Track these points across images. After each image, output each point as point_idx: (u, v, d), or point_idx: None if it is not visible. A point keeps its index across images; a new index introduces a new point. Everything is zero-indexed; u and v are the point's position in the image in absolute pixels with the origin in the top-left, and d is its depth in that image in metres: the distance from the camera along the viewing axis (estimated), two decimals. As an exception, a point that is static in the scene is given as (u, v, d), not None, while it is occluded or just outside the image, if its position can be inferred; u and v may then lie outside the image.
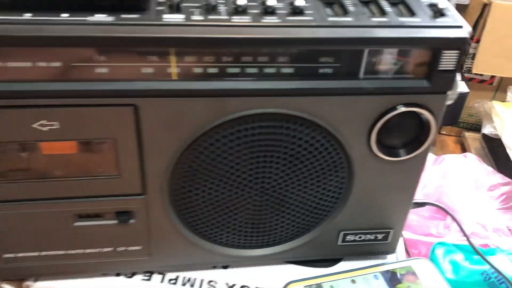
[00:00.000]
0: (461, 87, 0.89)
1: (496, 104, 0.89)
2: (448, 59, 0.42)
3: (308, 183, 0.48)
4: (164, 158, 0.44)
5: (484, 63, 0.91)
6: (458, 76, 0.45)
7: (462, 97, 0.90)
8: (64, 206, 0.46)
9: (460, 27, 0.41)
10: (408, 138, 0.47)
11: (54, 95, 0.39)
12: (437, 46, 0.41)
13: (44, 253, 0.49)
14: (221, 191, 0.47)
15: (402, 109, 0.44)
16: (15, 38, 0.36)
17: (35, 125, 0.40)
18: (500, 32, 0.87)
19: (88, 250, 0.50)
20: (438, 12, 0.42)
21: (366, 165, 0.48)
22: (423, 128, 0.46)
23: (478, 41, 0.89)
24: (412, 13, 0.42)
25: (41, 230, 0.47)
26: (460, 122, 0.99)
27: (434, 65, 0.42)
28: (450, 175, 0.78)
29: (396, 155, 0.47)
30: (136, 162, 0.44)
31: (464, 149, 0.95)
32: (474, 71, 0.92)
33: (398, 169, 0.49)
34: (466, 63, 0.93)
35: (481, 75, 0.95)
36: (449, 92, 0.44)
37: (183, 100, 0.41)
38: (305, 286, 0.53)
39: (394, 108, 0.44)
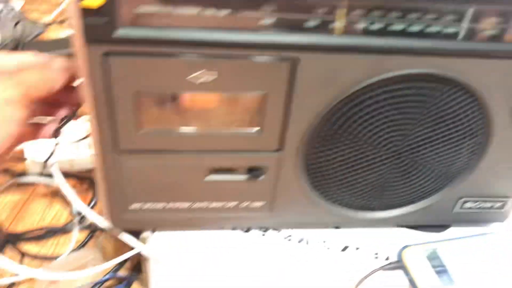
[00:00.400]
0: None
1: None
2: None
3: (444, 147, 0.47)
4: (309, 116, 0.43)
5: None
6: None
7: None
8: (200, 159, 0.45)
9: None
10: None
11: (216, 45, 0.38)
12: None
13: (169, 205, 0.49)
14: (355, 152, 0.46)
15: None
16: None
17: (193, 75, 0.39)
18: None
19: (213, 204, 0.50)
20: None
21: (504, 132, 0.47)
22: None
23: None
24: None
25: (172, 182, 0.47)
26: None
27: None
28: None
29: (540, 123, 0.46)
30: (281, 118, 0.43)
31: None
32: None
33: (535, 138, 0.47)
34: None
35: None
36: None
37: (343, 56, 0.39)
38: (423, 251, 0.53)
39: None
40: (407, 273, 0.51)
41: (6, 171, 0.71)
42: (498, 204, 0.54)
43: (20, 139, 0.41)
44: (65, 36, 1.00)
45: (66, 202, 0.69)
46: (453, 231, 0.57)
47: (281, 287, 0.53)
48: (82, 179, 0.73)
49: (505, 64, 0.41)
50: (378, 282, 0.51)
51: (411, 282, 0.50)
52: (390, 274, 0.51)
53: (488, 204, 0.54)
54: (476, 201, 0.53)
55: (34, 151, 0.69)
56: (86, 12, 0.34)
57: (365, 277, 0.51)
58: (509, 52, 0.40)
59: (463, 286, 0.50)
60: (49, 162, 0.52)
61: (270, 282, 0.53)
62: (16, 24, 0.89)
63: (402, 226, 0.57)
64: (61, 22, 1.06)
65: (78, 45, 0.37)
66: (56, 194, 0.71)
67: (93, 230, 0.66)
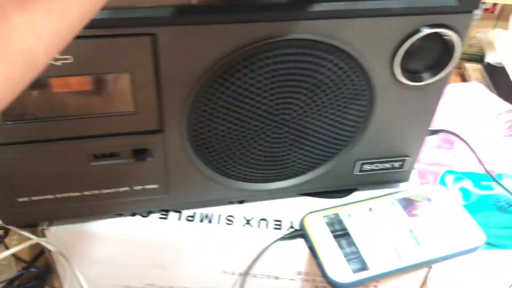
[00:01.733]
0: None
1: (500, 32, 0.88)
2: (477, -25, 0.40)
3: (329, 112, 0.47)
4: (182, 91, 0.42)
5: (486, -11, 0.88)
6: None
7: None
8: (79, 145, 0.44)
9: None
10: (431, 61, 0.46)
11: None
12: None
13: (59, 195, 0.48)
14: (240, 124, 0.45)
15: (428, 30, 0.42)
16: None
17: (47, 59, 0.37)
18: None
19: (104, 191, 0.49)
20: None
21: (387, 91, 0.47)
22: (446, 51, 0.45)
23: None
24: None
25: (56, 171, 0.46)
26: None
27: (463, -18, 0.40)
28: (455, 104, 0.77)
29: (419, 79, 0.46)
30: (154, 96, 0.42)
31: (464, 80, 0.95)
32: (475, -2, 0.90)
33: (419, 94, 0.48)
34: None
35: (483, 3, 0.93)
36: (475, 11, 0.42)
37: (204, 28, 0.39)
38: (323, 216, 0.53)
39: (419, 30, 0.42)
40: (308, 240, 0.51)
41: None
42: (397, 164, 0.55)
43: None
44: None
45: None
46: (358, 195, 0.57)
47: (184, 269, 0.53)
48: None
49: (369, 22, 0.41)
50: (280, 253, 0.51)
51: (311, 249, 0.50)
52: (293, 244, 0.52)
53: (387, 165, 0.55)
54: (374, 163, 0.54)
55: None
56: None
57: (266, 248, 0.50)
58: (370, 10, 0.40)
59: (364, 248, 0.50)
60: None
61: (172, 265, 0.52)
62: None
63: (306, 194, 0.57)
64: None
65: None
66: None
67: (6, 229, 0.64)
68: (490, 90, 0.88)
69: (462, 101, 0.79)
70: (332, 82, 0.44)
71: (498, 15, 0.94)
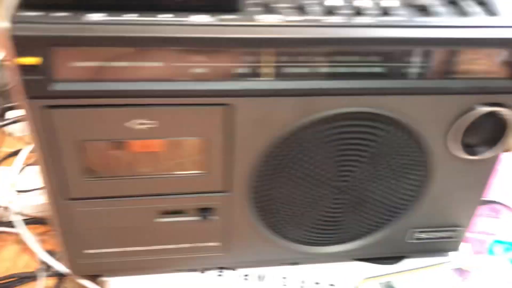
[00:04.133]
0: None
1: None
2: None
3: (388, 181, 0.49)
4: (251, 156, 0.45)
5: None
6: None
7: None
8: (149, 202, 0.47)
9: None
10: (486, 137, 0.48)
11: (153, 95, 0.40)
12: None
13: (123, 249, 0.50)
14: (302, 189, 0.48)
15: (483, 108, 0.44)
16: (118, 39, 0.37)
17: (134, 123, 0.41)
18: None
19: (167, 246, 0.51)
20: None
21: (444, 163, 0.49)
22: (501, 127, 0.47)
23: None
24: (493, 13, 0.42)
25: (124, 226, 0.48)
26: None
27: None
28: (503, 174, 0.78)
29: (474, 153, 0.48)
30: (225, 160, 0.45)
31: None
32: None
33: (474, 167, 0.49)
34: None
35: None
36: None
37: (275, 99, 0.42)
38: (379, 283, 0.54)
39: (474, 108, 0.44)
40: (361, 306, 0.52)
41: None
42: (449, 234, 0.56)
43: None
44: None
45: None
46: (409, 262, 0.58)
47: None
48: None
49: (431, 100, 0.43)
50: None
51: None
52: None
53: (439, 234, 0.56)
54: (426, 231, 0.55)
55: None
56: (23, 69, 0.36)
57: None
58: (431, 88, 0.43)
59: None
60: (10, 211, 0.53)
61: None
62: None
63: (358, 259, 0.58)
64: None
65: (19, 98, 0.39)
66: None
67: (60, 276, 0.66)
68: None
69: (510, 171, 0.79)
70: (394, 152, 0.47)
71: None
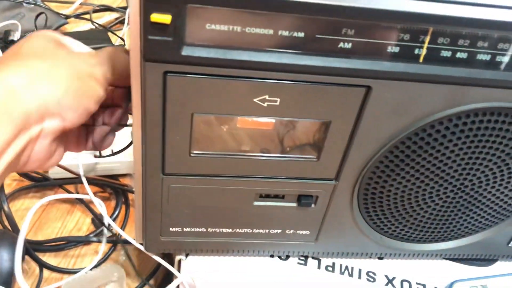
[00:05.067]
0: None
1: None
2: None
3: (509, 183, 0.44)
4: (373, 146, 0.40)
5: None
6: None
7: None
8: (251, 184, 0.42)
9: None
10: None
11: (286, 69, 0.34)
12: None
13: (211, 229, 0.46)
14: (417, 184, 0.43)
15: None
16: (258, 2, 0.31)
17: (257, 100, 0.36)
18: None
19: (256, 230, 0.46)
20: None
21: None
22: None
23: None
24: None
25: (218, 207, 0.44)
26: None
27: None
28: None
29: None
30: (343, 147, 0.40)
31: None
32: None
33: None
34: None
35: None
36: None
37: (420, 86, 0.36)
38: (471, 286, 0.50)
39: None
40: (458, 311, 0.48)
41: (25, 175, 0.68)
42: (554, 241, 0.51)
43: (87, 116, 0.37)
44: (89, 29, 0.96)
45: (87, 210, 0.65)
46: (501, 266, 0.54)
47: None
48: (103, 185, 0.69)
49: None
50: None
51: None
52: (440, 312, 0.48)
53: (544, 241, 0.51)
54: (532, 237, 0.50)
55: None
56: (153, 29, 0.30)
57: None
58: None
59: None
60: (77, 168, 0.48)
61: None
62: (37, 16, 0.85)
63: (448, 258, 0.53)
64: (82, 14, 1.02)
65: (136, 60, 0.33)
66: (77, 201, 0.67)
67: (115, 242, 0.62)
68: None
69: None
70: (528, 154, 0.41)
71: None
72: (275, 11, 0.31)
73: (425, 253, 0.50)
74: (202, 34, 0.32)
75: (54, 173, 0.67)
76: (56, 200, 0.67)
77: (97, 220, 0.64)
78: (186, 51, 0.32)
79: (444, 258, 0.53)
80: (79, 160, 0.56)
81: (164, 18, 0.30)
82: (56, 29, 0.94)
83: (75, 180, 0.67)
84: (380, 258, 0.52)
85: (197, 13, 0.31)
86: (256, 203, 0.44)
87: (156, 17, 0.30)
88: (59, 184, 0.68)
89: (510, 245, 0.51)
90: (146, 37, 0.31)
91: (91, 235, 0.63)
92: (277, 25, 0.32)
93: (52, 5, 1.02)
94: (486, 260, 0.54)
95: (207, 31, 0.32)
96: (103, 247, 0.59)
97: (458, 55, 0.35)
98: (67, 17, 0.98)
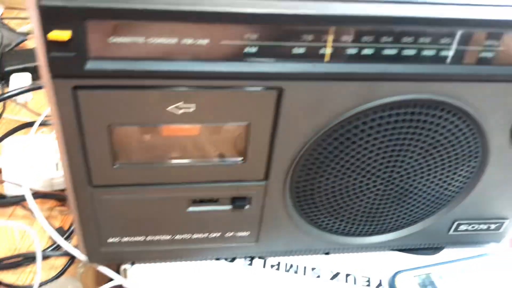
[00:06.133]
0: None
1: None
2: None
3: (438, 172, 0.45)
4: (295, 144, 0.41)
5: None
6: None
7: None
8: (181, 191, 0.43)
9: None
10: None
11: (196, 76, 0.35)
12: None
13: (149, 238, 0.46)
14: (346, 179, 0.44)
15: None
16: (162, 13, 0.31)
17: (170, 108, 0.36)
18: None
19: (195, 235, 0.47)
20: None
21: (501, 154, 0.45)
22: None
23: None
24: None
25: (152, 215, 0.44)
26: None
27: None
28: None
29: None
30: (266, 148, 0.40)
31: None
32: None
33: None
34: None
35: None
36: None
37: (331, 84, 0.37)
38: (414, 276, 0.51)
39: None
40: (400, 301, 0.49)
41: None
42: (495, 226, 0.53)
43: None
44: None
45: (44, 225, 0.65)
46: (447, 253, 0.55)
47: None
48: (62, 199, 0.70)
49: (499, 87, 0.39)
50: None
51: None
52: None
53: (484, 226, 0.52)
54: (472, 224, 0.51)
55: (12, 172, 0.66)
56: (53, 46, 0.31)
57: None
58: (501, 75, 0.38)
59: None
60: (22, 186, 0.49)
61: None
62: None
63: (394, 249, 0.54)
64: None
65: (46, 78, 0.34)
66: (34, 216, 0.67)
67: (73, 256, 0.63)
68: None
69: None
70: (449, 143, 0.42)
71: None
72: (175, 21, 0.32)
73: (367, 246, 0.51)
74: (105, 47, 0.32)
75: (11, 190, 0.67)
76: (14, 217, 0.67)
77: (54, 234, 0.64)
78: (90, 65, 0.33)
79: (391, 249, 0.54)
80: (27, 177, 0.57)
81: (63, 35, 0.31)
82: (16, 46, 0.94)
83: (34, 195, 0.68)
84: (326, 254, 0.53)
85: (97, 28, 0.31)
86: (190, 209, 0.44)
87: (54, 35, 0.30)
88: (17, 201, 0.69)
89: (450, 232, 0.52)
90: (49, 54, 0.31)
91: (48, 250, 0.64)
92: (180, 33, 0.33)
93: (13, 23, 1.02)
94: (432, 249, 0.55)
95: (110, 44, 0.33)
96: (59, 261, 0.59)
97: (364, 51, 0.36)
98: (27, 34, 0.98)
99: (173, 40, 0.33)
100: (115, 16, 0.31)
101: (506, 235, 0.55)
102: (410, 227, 0.51)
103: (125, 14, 0.31)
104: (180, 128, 0.39)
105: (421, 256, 0.54)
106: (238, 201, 0.45)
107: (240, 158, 0.41)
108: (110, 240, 0.46)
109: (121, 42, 0.33)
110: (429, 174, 0.45)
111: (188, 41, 0.33)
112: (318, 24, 0.34)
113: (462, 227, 0.52)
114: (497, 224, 0.52)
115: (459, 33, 0.36)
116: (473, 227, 0.52)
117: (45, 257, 0.64)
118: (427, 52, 0.37)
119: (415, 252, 0.55)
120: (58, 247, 0.63)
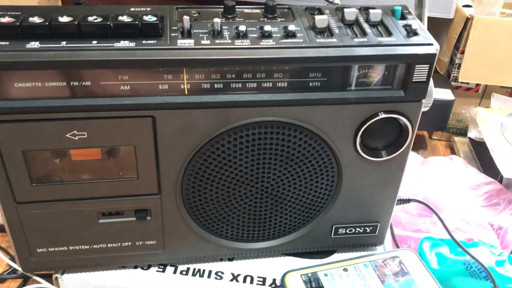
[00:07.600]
0: (447, 94, 0.96)
1: (480, 110, 0.96)
2: (420, 72, 0.49)
3: (301, 182, 0.55)
4: (176, 162, 0.51)
5: (469, 72, 0.97)
6: (431, 86, 0.51)
7: (449, 104, 0.98)
8: (91, 205, 0.53)
9: (431, 44, 0.48)
10: (389, 141, 0.54)
11: (84, 109, 0.46)
12: (410, 61, 0.48)
13: (71, 247, 0.56)
14: (226, 190, 0.54)
15: (383, 115, 0.51)
16: (54, 63, 0.43)
17: (68, 135, 0.47)
18: (482, 44, 0.94)
19: (110, 245, 0.57)
20: (411, 32, 0.49)
21: (352, 165, 0.55)
22: (402, 132, 0.53)
23: (463, 52, 0.96)
24: (389, 33, 0.49)
25: (70, 227, 0.54)
26: (450, 128, 1.06)
27: (408, 78, 0.49)
28: (436, 176, 0.85)
29: (379, 156, 0.54)
30: (153, 166, 0.51)
31: (454, 153, 1.02)
32: (460, 80, 0.99)
33: (382, 168, 0.56)
34: (453, 72, 1.00)
35: (467, 83, 1.02)
36: (423, 100, 0.51)
37: (194, 112, 0.48)
38: (301, 275, 0.60)
39: (375, 115, 0.51)
40: (286, 295, 0.58)
41: None
42: (369, 229, 0.62)
43: None
44: None
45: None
46: (338, 257, 0.64)
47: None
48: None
49: (333, 109, 0.50)
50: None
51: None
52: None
53: (359, 229, 0.62)
54: (347, 227, 0.61)
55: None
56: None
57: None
58: (329, 99, 0.49)
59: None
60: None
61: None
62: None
63: (289, 254, 0.64)
64: None
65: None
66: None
67: (26, 277, 0.72)
68: (475, 162, 0.96)
69: (443, 173, 0.86)
70: (303, 156, 0.53)
71: (482, 93, 1.03)
72: (62, 69, 0.44)
73: (259, 251, 0.61)
74: (12, 91, 0.44)
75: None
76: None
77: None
78: (1, 105, 0.44)
79: (285, 254, 0.64)
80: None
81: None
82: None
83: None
84: (230, 260, 0.63)
85: (4, 77, 0.43)
86: (100, 221, 0.55)
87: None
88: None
89: (332, 236, 0.62)
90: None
91: (5, 273, 0.73)
92: (67, 78, 0.44)
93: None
94: (325, 253, 0.65)
95: (16, 88, 0.44)
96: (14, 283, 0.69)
97: (216, 86, 0.47)
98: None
99: (63, 83, 0.45)
100: (17, 67, 0.42)
101: (385, 237, 0.64)
102: (295, 233, 0.61)
103: (23, 65, 0.42)
104: (85, 152, 0.50)
105: (313, 260, 0.64)
106: (139, 213, 0.55)
107: (134, 176, 0.52)
108: (39, 250, 0.56)
109: (24, 86, 0.44)
110: (295, 183, 0.55)
111: (75, 83, 0.45)
112: (173, 66, 0.45)
113: (341, 231, 0.62)
114: (372, 228, 0.62)
115: (286, 69, 0.47)
116: (350, 230, 0.62)
117: (2, 280, 0.73)
118: (265, 84, 0.48)
119: (308, 256, 0.64)
120: (13, 270, 0.72)
